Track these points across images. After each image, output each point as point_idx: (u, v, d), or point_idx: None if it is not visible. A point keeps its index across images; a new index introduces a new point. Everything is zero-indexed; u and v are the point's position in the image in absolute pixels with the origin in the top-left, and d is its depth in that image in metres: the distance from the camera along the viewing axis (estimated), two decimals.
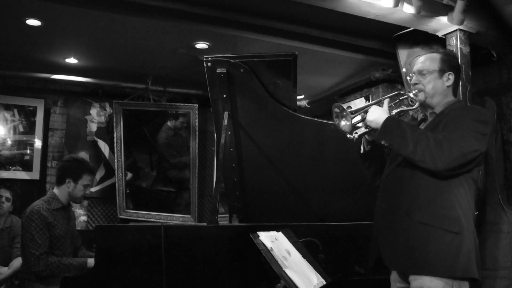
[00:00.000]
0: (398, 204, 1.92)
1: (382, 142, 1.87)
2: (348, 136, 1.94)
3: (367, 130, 1.95)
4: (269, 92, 2.70)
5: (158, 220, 4.71)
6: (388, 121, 1.86)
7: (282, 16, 3.37)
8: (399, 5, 2.84)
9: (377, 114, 1.89)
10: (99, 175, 4.93)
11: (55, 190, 2.94)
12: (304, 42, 3.69)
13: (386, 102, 1.97)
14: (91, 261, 2.68)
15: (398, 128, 1.84)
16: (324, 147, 2.81)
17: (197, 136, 4.88)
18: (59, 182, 2.94)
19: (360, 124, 1.96)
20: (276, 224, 2.25)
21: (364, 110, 1.94)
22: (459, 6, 2.95)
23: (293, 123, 2.76)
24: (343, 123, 1.92)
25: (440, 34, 3.21)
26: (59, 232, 2.80)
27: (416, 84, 2.01)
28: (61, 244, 2.81)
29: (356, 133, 1.95)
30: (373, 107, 1.93)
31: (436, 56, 2.03)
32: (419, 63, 2.04)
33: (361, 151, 2.12)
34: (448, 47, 3.13)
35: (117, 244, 2.21)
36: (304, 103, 5.53)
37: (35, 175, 4.76)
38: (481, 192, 3.29)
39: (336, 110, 1.93)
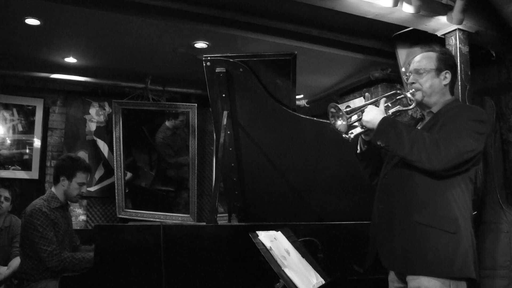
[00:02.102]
0: (396, 204, 1.92)
1: (378, 143, 1.87)
2: (344, 136, 1.93)
3: (363, 130, 1.94)
4: (268, 91, 2.70)
5: (157, 220, 4.71)
6: (384, 121, 1.86)
7: (281, 15, 3.37)
8: (399, 5, 2.84)
9: (373, 114, 1.89)
10: (98, 174, 4.93)
11: (53, 189, 2.94)
12: (304, 41, 3.69)
13: (382, 101, 1.96)
14: None
15: (394, 128, 1.84)
16: (323, 147, 2.80)
17: (196, 135, 4.89)
18: (55, 180, 2.95)
19: (356, 124, 1.95)
20: (275, 224, 2.26)
21: (360, 110, 1.94)
22: (458, 5, 2.95)
23: (292, 122, 2.76)
24: (339, 122, 1.91)
25: (439, 33, 3.21)
26: (59, 230, 2.81)
27: (413, 83, 2.01)
28: (61, 243, 2.81)
29: (352, 133, 1.94)
30: (369, 107, 1.93)
31: (433, 55, 2.02)
32: (416, 62, 2.03)
33: (358, 151, 2.12)
34: (447, 47, 3.13)
35: (116, 244, 2.21)
36: (303, 102, 5.54)
37: (34, 174, 4.76)
38: (480, 191, 3.29)
39: (332, 110, 1.92)
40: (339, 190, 2.84)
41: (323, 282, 1.96)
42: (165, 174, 5.01)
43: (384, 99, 1.98)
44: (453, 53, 2.96)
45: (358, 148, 2.11)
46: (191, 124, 4.89)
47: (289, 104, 2.75)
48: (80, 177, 2.94)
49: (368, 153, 2.10)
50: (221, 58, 2.59)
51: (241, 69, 2.60)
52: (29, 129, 4.79)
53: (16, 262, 3.35)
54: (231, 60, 2.58)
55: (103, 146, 4.99)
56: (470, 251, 1.79)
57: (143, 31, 3.61)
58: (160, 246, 2.19)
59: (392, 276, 2.00)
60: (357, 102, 4.80)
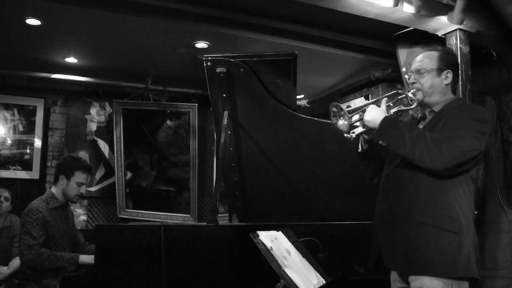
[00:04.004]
0: (398, 204, 1.92)
1: (380, 142, 1.87)
2: (346, 135, 1.94)
3: (364, 129, 1.95)
4: (269, 91, 2.70)
5: (158, 220, 4.71)
6: (386, 121, 1.86)
7: (282, 15, 3.37)
8: (399, 5, 2.84)
9: (375, 114, 1.89)
10: (99, 174, 4.93)
11: (53, 189, 2.95)
12: (304, 41, 3.69)
13: (384, 101, 1.96)
14: (83, 257, 2.71)
15: (395, 128, 1.84)
16: (324, 147, 2.80)
17: (197, 135, 4.89)
18: (55, 180, 2.96)
19: (357, 124, 1.95)
20: (276, 224, 2.26)
21: (362, 110, 1.94)
22: (459, 5, 2.95)
23: (293, 122, 2.76)
24: (341, 122, 1.92)
25: (440, 33, 3.21)
26: (56, 231, 2.81)
27: (414, 83, 2.01)
28: (59, 243, 2.82)
29: (354, 132, 1.94)
30: (371, 106, 1.93)
31: (434, 54, 2.01)
32: (417, 61, 2.03)
33: (359, 150, 2.12)
34: (448, 47, 3.13)
35: (117, 244, 2.21)
36: (304, 102, 5.54)
37: (35, 174, 4.76)
38: (480, 191, 3.29)
39: (334, 109, 1.92)
40: (339, 190, 2.84)
41: (324, 282, 1.96)
42: (165, 174, 5.01)
43: (385, 98, 1.98)
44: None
45: (359, 147, 2.11)
46: (191, 124, 4.89)
47: (290, 104, 2.75)
48: (78, 176, 2.94)
49: (369, 152, 2.10)
50: (222, 58, 2.59)
51: (241, 69, 2.60)
52: (29, 129, 4.79)
53: (16, 261, 3.35)
54: (232, 60, 2.58)
55: (103, 146, 4.99)
56: (472, 251, 1.79)
57: (144, 31, 3.61)
58: (161, 246, 2.19)
59: (394, 276, 2.00)
60: (358, 102, 4.80)
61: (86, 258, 2.69)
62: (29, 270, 2.71)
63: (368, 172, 2.18)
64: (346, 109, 1.90)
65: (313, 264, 2.02)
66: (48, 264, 2.66)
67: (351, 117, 1.91)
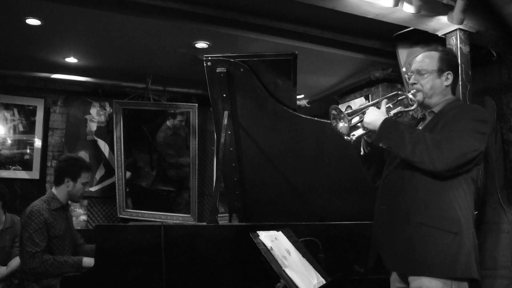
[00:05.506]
0: (398, 205, 1.91)
1: (380, 144, 1.87)
2: (346, 138, 1.93)
3: (364, 132, 1.94)
4: (269, 91, 2.70)
5: (158, 220, 4.71)
6: (386, 123, 1.85)
7: (282, 15, 3.37)
8: (399, 5, 2.84)
9: (375, 116, 1.88)
10: (99, 174, 4.93)
11: (54, 190, 2.94)
12: (304, 41, 3.70)
13: (383, 103, 1.95)
14: (86, 260, 2.69)
15: (396, 130, 1.84)
16: (324, 146, 2.81)
17: (197, 135, 4.89)
18: (58, 182, 2.94)
19: (358, 126, 1.95)
20: (276, 224, 2.26)
21: (361, 112, 1.93)
22: (459, 5, 2.95)
23: (293, 122, 2.76)
24: (341, 124, 1.91)
25: (440, 33, 3.22)
26: (58, 232, 2.81)
27: (414, 83, 2.00)
28: (61, 244, 2.81)
29: (354, 135, 1.94)
30: (371, 108, 1.92)
31: (435, 54, 2.00)
32: (417, 62, 2.02)
33: (362, 153, 2.11)
34: (448, 47, 3.13)
35: (117, 244, 2.21)
36: (304, 102, 5.54)
37: (35, 174, 4.76)
38: (480, 191, 3.29)
39: (334, 112, 1.92)
40: (339, 190, 2.84)
41: (324, 282, 1.96)
42: (165, 174, 5.01)
43: (385, 100, 1.97)
44: None
45: (362, 150, 2.10)
46: (191, 124, 4.89)
47: (290, 104, 2.75)
48: (84, 177, 2.96)
49: (371, 155, 2.09)
50: (222, 58, 2.59)
51: (241, 69, 2.60)
52: (30, 129, 4.80)
53: (15, 262, 3.34)
54: (232, 60, 2.59)
55: (103, 146, 4.99)
56: (472, 251, 1.79)
57: (144, 31, 3.61)
58: (161, 246, 2.19)
59: (394, 276, 2.00)
60: (358, 102, 4.80)
61: (90, 261, 2.68)
62: (31, 276, 2.70)
63: (369, 175, 2.17)
64: (346, 112, 1.89)
65: (313, 264, 2.02)
66: (52, 270, 2.65)
67: (351, 119, 1.91)
